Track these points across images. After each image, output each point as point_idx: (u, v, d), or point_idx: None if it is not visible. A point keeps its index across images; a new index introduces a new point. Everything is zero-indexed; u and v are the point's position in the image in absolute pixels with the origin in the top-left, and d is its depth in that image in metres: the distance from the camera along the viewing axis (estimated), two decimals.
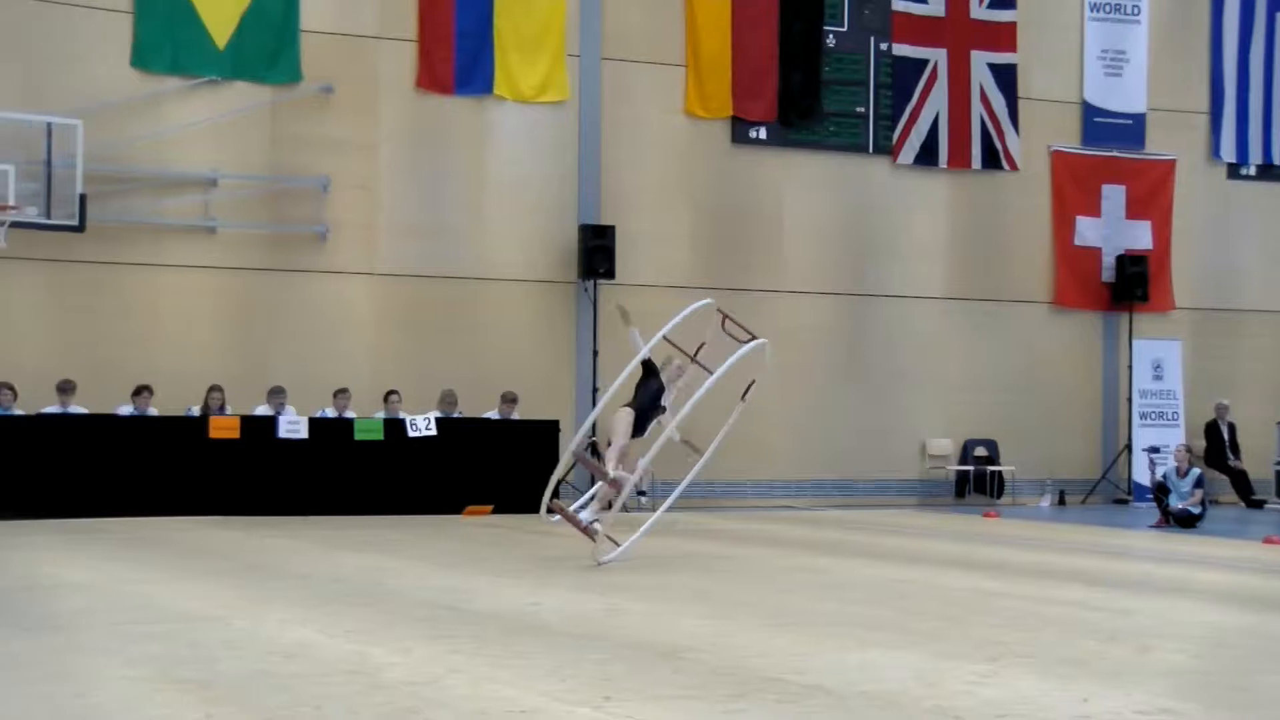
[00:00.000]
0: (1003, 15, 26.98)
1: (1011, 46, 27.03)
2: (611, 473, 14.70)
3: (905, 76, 26.47)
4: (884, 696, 7.77)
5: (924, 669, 8.59)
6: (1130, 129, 27.92)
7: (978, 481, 26.35)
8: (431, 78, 23.70)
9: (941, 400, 26.62)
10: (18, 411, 20.16)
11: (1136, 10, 27.88)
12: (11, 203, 20.38)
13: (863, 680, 8.21)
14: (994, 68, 26.90)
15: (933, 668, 8.63)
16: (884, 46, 26.39)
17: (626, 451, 15.10)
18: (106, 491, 19.33)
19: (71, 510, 18.86)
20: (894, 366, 26.36)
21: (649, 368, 15.73)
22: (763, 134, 25.64)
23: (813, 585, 13.31)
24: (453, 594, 11.83)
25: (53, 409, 20.29)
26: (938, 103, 26.59)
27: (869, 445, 26.02)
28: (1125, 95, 27.90)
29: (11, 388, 20.20)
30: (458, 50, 23.82)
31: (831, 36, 26.05)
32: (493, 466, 21.19)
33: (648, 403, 15.54)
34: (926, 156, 26.51)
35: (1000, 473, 26.36)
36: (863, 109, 26.27)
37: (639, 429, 15.39)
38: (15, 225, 20.48)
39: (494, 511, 20.82)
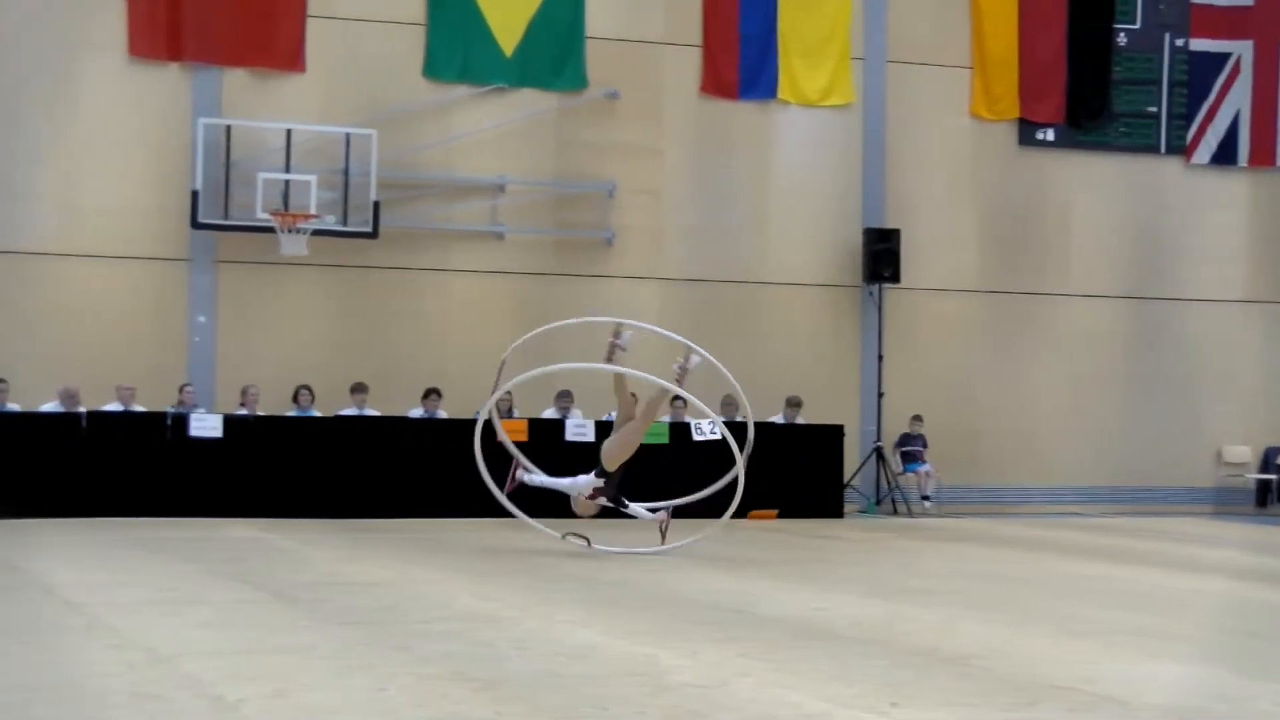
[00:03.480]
0: None
1: None
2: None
3: (1203, 72, 25.67)
4: (1182, 712, 7.53)
5: (1224, 686, 8.31)
6: None
7: None
8: (716, 82, 23.78)
9: (1239, 406, 25.79)
10: (315, 413, 20.80)
11: None
12: (313, 211, 21.09)
13: (1157, 693, 7.98)
14: None
15: (1234, 685, 8.34)
16: (1180, 42, 25.64)
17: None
18: (398, 492, 19.78)
19: (364, 511, 19.35)
20: (1187, 371, 25.63)
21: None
22: (1050, 136, 25.18)
23: (1102, 593, 13.00)
24: (738, 598, 11.84)
25: (348, 411, 20.88)
26: (1239, 98, 25.71)
27: (1161, 451, 25.34)
28: None
29: (310, 390, 20.87)
30: (742, 55, 23.86)
31: (1123, 35, 25.43)
32: (777, 471, 21.14)
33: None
34: (1224, 155, 25.67)
35: None
36: (1155, 108, 25.59)
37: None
38: (315, 233, 21.19)
39: (779, 516, 20.79)
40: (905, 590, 12.66)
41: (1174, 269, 25.71)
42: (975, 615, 11.02)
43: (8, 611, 10.48)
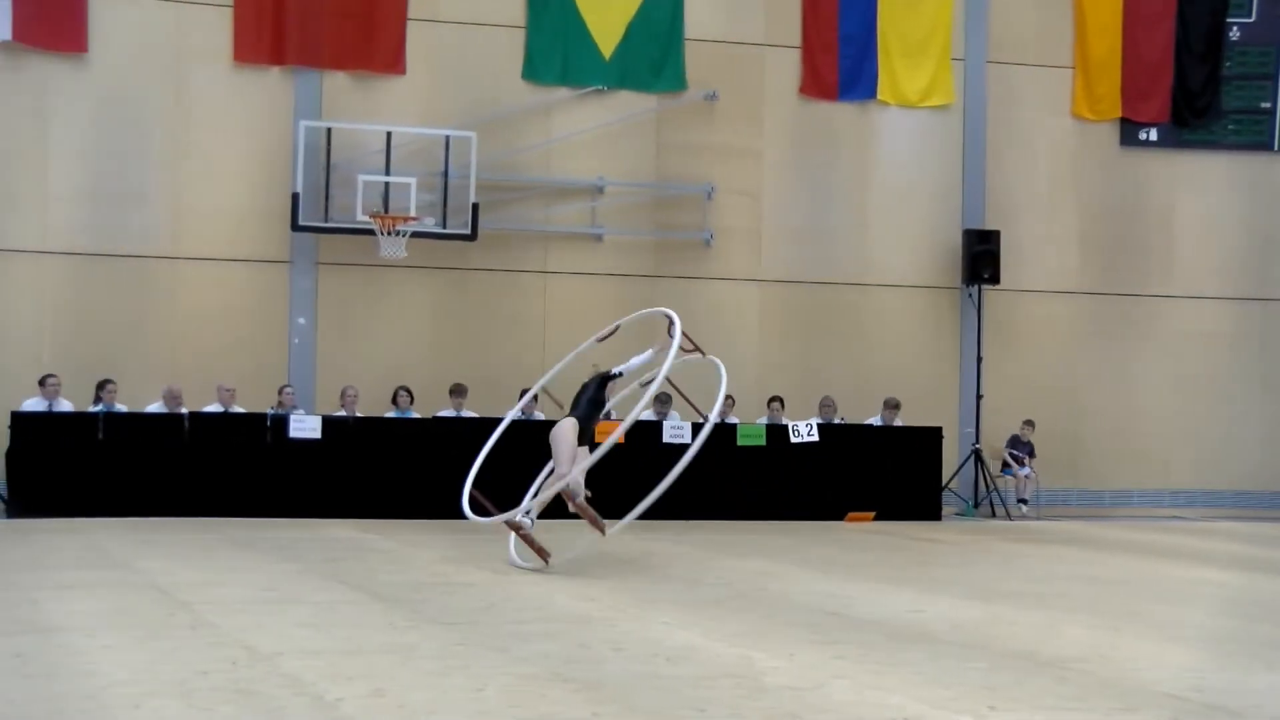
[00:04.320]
0: None
1: None
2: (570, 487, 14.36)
3: None
4: None
5: None
6: None
7: None
8: (816, 83, 23.69)
9: None
10: (414, 414, 20.91)
11: None
12: (412, 213, 21.22)
13: (1275, 705, 7.82)
14: None
15: None
16: None
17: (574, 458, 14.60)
18: (496, 494, 19.76)
19: (461, 512, 19.37)
20: None
21: (603, 377, 15.18)
22: (1154, 135, 24.87)
23: (1208, 599, 12.83)
24: (835, 600, 11.80)
25: (446, 412, 20.97)
26: None
27: (1269, 455, 24.96)
28: None
29: (409, 391, 20.98)
30: (842, 56, 23.75)
31: (1235, 29, 25.02)
32: (875, 473, 21.05)
33: (590, 411, 15.00)
34: None
35: None
36: (1268, 104, 25.13)
37: (581, 438, 14.89)
38: (415, 235, 21.31)
39: (876, 518, 20.70)
40: (1004, 593, 12.56)
41: None
42: (1076, 618, 10.91)
43: (127, 609, 10.61)
